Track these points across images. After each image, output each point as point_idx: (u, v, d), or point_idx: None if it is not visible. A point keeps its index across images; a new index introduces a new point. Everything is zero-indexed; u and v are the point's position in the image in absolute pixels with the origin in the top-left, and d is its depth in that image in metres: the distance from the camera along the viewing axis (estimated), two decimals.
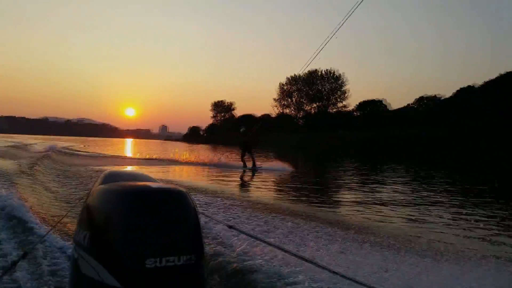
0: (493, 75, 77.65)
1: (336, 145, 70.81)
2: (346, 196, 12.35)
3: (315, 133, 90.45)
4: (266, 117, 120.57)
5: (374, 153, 51.29)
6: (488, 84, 75.84)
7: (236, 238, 5.10)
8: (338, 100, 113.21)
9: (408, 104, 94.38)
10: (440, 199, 11.47)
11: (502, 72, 74.51)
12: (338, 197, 12.29)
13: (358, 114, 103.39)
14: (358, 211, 9.23)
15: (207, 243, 4.78)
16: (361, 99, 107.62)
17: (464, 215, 8.98)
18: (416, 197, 11.86)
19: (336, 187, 15.06)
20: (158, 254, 1.79)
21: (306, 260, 2.14)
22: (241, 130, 22.83)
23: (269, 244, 2.61)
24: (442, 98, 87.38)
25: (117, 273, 1.79)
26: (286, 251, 2.39)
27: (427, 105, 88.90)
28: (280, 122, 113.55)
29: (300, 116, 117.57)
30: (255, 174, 18.96)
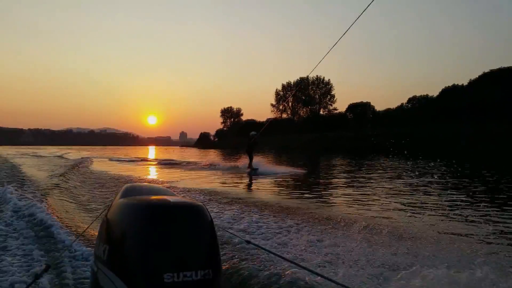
0: (475, 75, 77.59)
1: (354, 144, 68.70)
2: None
3: (318, 134, 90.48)
4: (271, 121, 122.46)
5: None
6: (473, 83, 75.45)
7: (253, 252, 4.82)
8: (328, 103, 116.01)
9: (402, 103, 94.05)
10: None
11: (486, 70, 74.23)
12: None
13: (351, 115, 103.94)
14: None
15: (224, 257, 4.54)
16: (345, 102, 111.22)
17: None
18: None
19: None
20: (175, 269, 1.69)
21: (324, 277, 2.03)
22: (251, 133, 22.35)
23: (287, 260, 2.50)
24: (434, 96, 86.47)
25: (135, 287, 1.70)
26: (303, 267, 2.28)
27: (419, 103, 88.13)
28: (280, 125, 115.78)
29: (296, 119, 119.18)
30: (254, 177, 18.23)
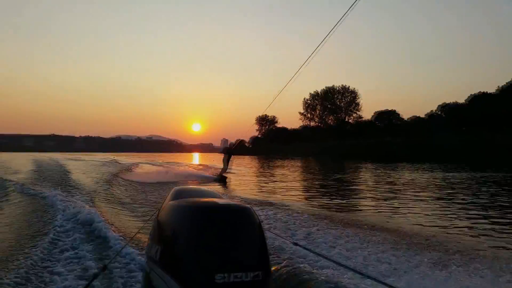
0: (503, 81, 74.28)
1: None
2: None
3: (337, 141, 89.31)
4: (304, 128, 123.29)
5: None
6: (503, 90, 71.97)
7: (301, 254, 4.68)
8: (354, 111, 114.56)
9: (432, 110, 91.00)
10: None
11: None
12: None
13: (379, 124, 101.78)
14: None
15: (272, 259, 4.53)
16: (370, 110, 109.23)
17: None
18: None
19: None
20: (227, 270, 1.66)
21: (373, 279, 1.95)
22: (230, 142, 23.15)
23: (334, 262, 2.43)
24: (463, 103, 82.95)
25: (188, 287, 1.68)
26: (350, 269, 2.20)
27: (449, 111, 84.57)
28: (309, 133, 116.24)
29: (324, 127, 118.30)
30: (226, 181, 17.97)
